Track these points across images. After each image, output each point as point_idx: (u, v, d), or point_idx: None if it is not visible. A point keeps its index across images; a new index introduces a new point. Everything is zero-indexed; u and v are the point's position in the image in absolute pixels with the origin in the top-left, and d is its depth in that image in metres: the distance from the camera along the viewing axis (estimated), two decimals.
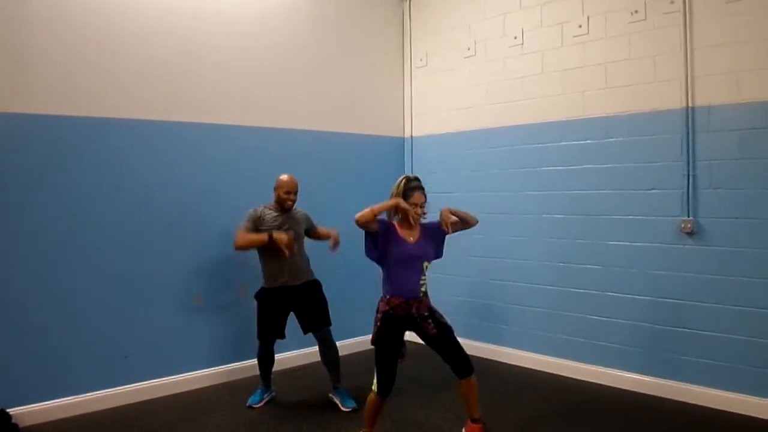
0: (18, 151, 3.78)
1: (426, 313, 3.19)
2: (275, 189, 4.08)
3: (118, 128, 4.16)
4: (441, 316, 3.27)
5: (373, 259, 3.24)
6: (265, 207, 4.09)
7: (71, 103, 3.97)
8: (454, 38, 5.61)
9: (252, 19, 4.90)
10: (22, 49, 3.77)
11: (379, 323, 3.17)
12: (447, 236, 3.33)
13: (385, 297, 3.19)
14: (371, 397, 3.17)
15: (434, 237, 3.31)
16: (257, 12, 4.94)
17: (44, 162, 3.87)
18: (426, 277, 3.24)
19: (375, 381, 3.15)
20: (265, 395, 4.20)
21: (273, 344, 4.15)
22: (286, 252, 3.83)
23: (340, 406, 4.04)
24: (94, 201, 4.06)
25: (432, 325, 3.19)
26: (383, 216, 3.21)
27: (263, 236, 3.88)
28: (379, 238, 3.17)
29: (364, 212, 3.03)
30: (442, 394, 4.19)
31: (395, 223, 3.27)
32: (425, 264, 3.22)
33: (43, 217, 3.86)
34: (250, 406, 4.10)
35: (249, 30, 4.87)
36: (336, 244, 4.20)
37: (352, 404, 4.01)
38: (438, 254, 3.37)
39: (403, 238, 3.20)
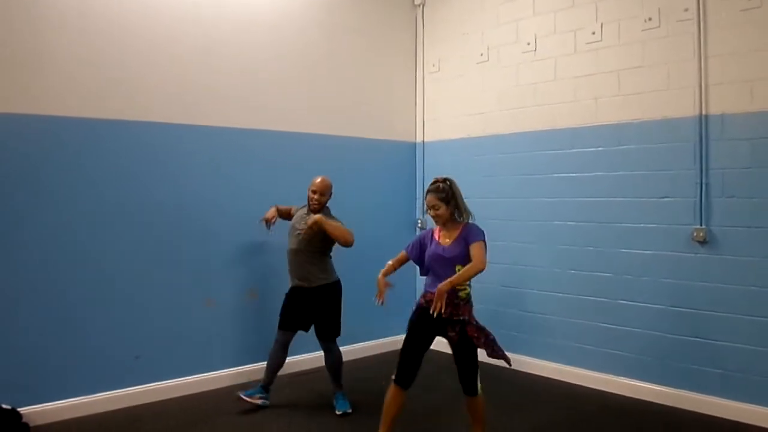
0: (22, 152, 3.80)
1: (457, 318, 3.11)
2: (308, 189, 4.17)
3: (146, 129, 4.25)
4: (476, 331, 3.15)
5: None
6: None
7: (74, 104, 3.97)
8: (467, 44, 5.62)
9: (265, 24, 4.93)
10: (23, 50, 3.78)
11: (413, 314, 3.28)
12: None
13: (425, 292, 3.24)
14: (390, 387, 3.19)
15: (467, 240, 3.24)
16: (271, 18, 4.97)
17: (51, 163, 3.89)
18: (468, 284, 3.19)
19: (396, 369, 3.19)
20: (257, 395, 4.11)
21: (288, 338, 4.12)
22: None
23: (335, 410, 4.07)
24: (107, 202, 4.10)
25: (457, 330, 3.11)
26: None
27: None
28: (419, 260, 3.38)
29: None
30: (456, 402, 4.17)
31: (436, 228, 3.34)
32: (458, 267, 3.14)
33: (59, 218, 3.90)
34: (239, 397, 4.05)
35: (261, 35, 4.90)
36: (310, 226, 3.99)
37: (344, 407, 4.05)
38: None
39: (438, 241, 3.27)
